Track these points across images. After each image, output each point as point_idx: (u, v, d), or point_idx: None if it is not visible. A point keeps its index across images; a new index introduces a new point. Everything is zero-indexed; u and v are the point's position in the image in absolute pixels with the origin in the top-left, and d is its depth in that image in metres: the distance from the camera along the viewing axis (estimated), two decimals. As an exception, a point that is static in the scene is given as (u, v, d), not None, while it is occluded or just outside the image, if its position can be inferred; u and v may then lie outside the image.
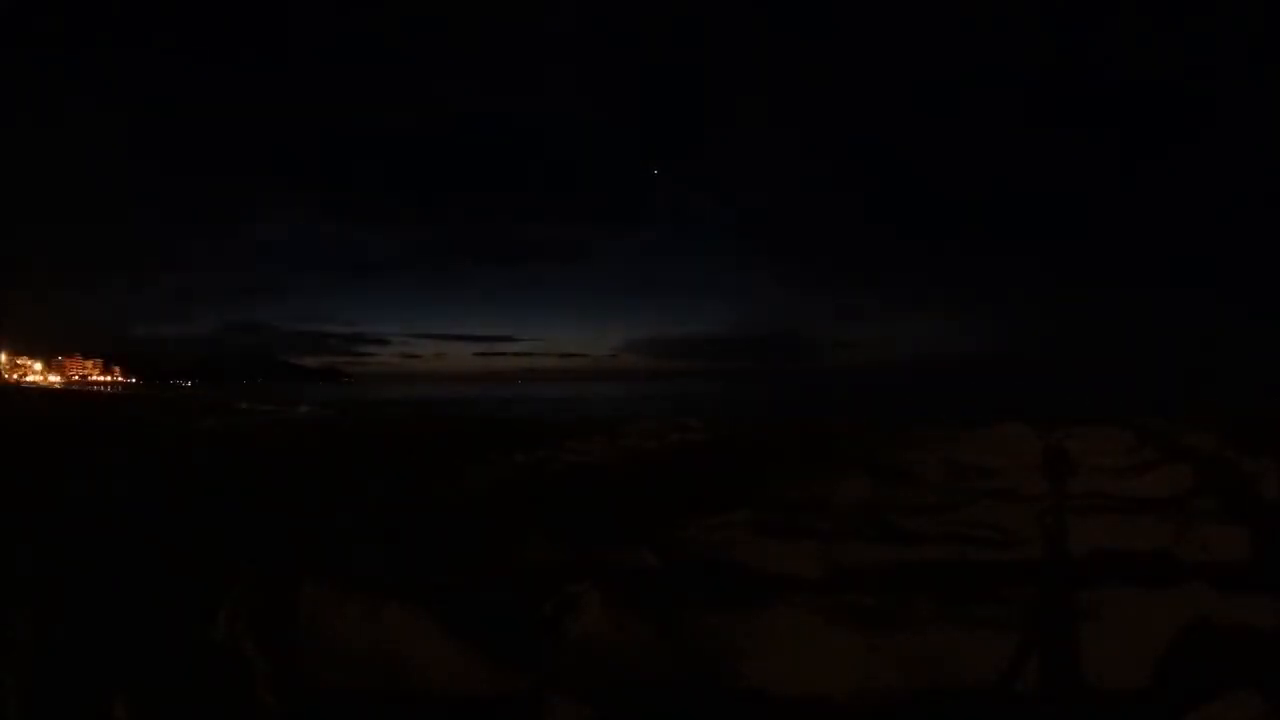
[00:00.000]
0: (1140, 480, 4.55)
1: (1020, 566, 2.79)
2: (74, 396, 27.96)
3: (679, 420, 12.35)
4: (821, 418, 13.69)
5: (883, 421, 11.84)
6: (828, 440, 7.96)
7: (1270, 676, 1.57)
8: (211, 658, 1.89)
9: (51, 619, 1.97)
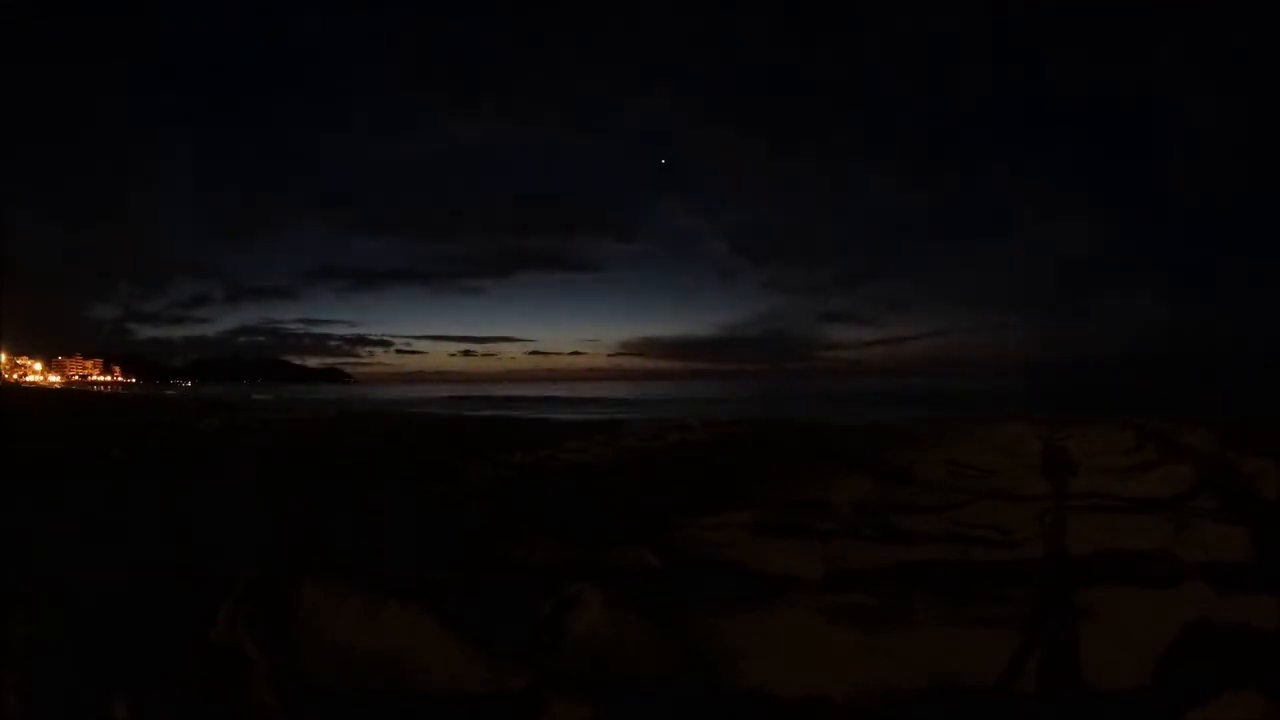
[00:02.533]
0: (1140, 480, 4.55)
1: (1020, 566, 2.79)
2: (74, 396, 27.96)
3: (679, 420, 12.35)
4: (821, 417, 13.71)
5: (882, 421, 11.84)
6: (828, 440, 7.96)
7: (1270, 676, 1.57)
8: (211, 658, 1.89)
9: (51, 619, 1.97)
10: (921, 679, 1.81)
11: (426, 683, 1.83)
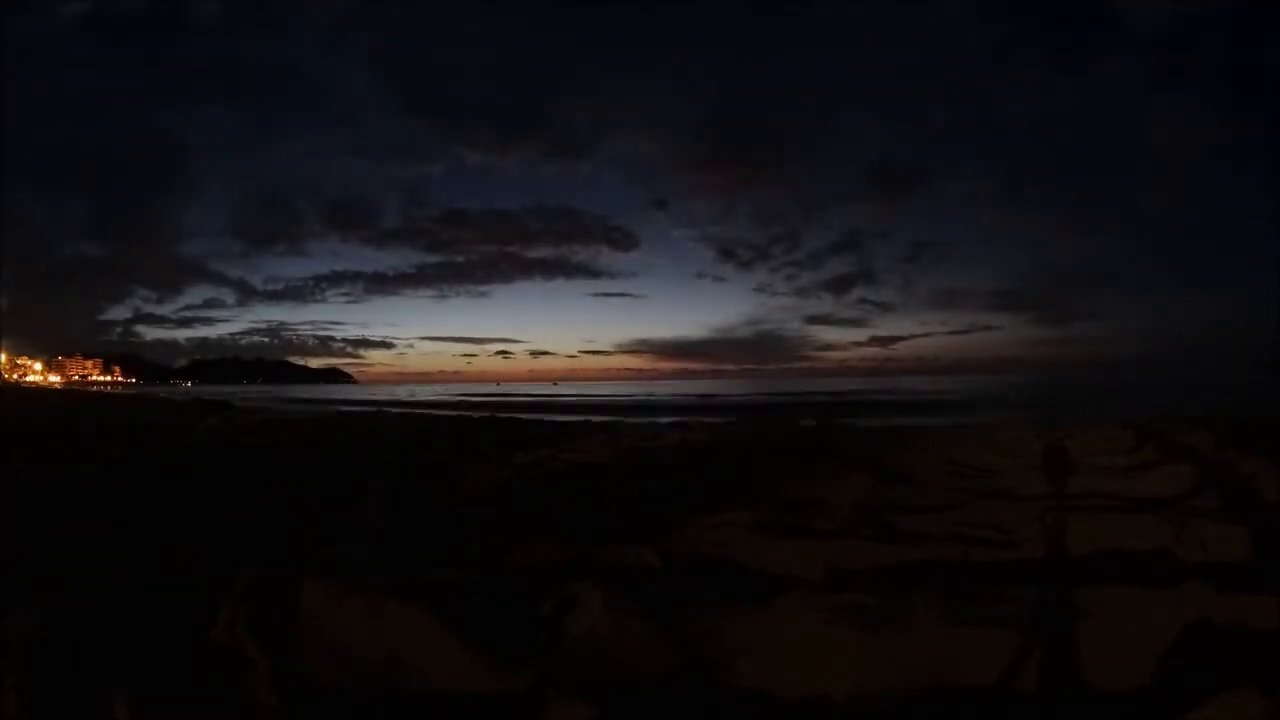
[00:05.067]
0: (1140, 480, 4.55)
1: (1020, 566, 2.79)
2: (74, 396, 27.98)
3: (679, 420, 12.37)
4: (820, 417, 13.70)
5: (881, 421, 11.85)
6: (827, 440, 7.96)
7: (1270, 676, 1.57)
8: (211, 658, 1.89)
9: (52, 619, 1.97)
10: (921, 679, 1.81)
11: (426, 683, 1.83)
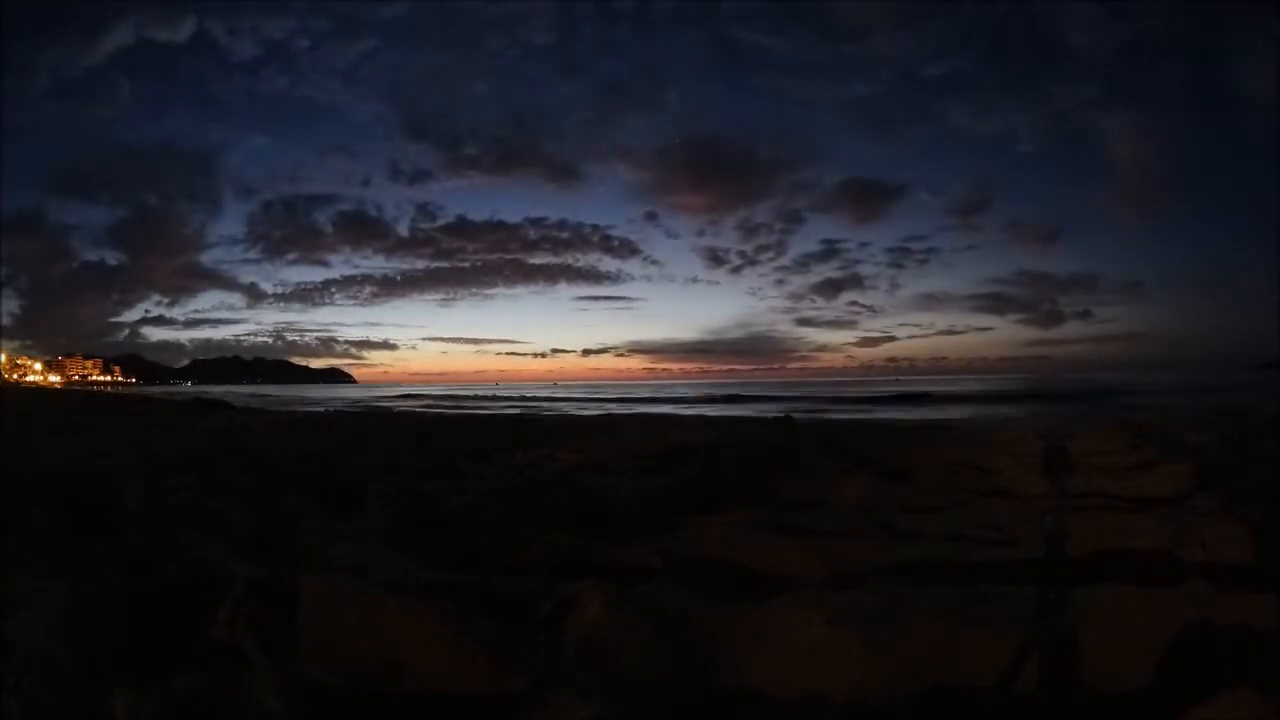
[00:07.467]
0: (1140, 480, 4.55)
1: (1020, 566, 2.79)
2: (75, 397, 27.98)
3: (679, 420, 12.37)
4: (820, 416, 13.71)
5: (881, 421, 11.85)
6: (827, 440, 7.96)
7: (1270, 676, 1.57)
8: (211, 658, 1.89)
9: (52, 618, 1.97)
10: (922, 679, 1.81)
11: (426, 683, 1.83)
